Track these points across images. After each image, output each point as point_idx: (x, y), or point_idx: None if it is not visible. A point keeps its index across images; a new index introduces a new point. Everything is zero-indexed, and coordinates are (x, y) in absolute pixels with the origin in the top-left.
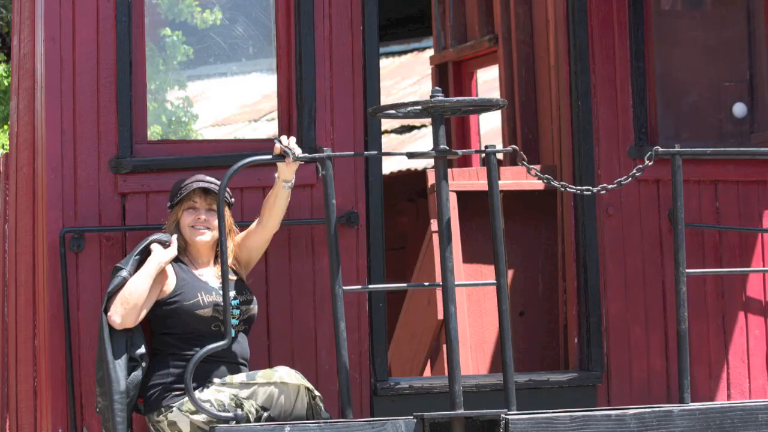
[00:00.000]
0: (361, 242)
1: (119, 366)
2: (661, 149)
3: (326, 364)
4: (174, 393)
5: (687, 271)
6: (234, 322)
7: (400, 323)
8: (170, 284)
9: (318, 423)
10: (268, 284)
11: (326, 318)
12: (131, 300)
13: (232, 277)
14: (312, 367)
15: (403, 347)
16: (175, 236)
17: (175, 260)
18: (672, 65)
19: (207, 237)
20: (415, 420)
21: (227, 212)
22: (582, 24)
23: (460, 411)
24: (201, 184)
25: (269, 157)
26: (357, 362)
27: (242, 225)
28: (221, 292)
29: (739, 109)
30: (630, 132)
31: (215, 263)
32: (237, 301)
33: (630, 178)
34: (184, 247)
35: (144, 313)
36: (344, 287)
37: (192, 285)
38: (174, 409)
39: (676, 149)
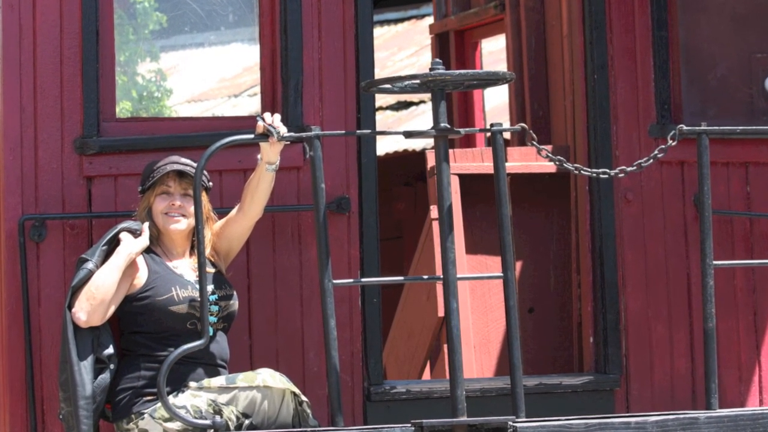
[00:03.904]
0: (353, 231)
1: (85, 368)
2: (686, 127)
3: (314, 366)
4: (145, 398)
5: (714, 263)
6: (212, 319)
7: (396, 321)
8: (141, 278)
9: (305, 431)
10: (250, 277)
11: (314, 315)
12: (98, 295)
13: (210, 270)
14: (299, 369)
15: (399, 347)
16: (146, 224)
17: (147, 251)
18: (698, 35)
19: (182, 225)
20: (413, 428)
21: (204, 198)
22: None
23: (463, 418)
24: (175, 167)
25: (251, 136)
26: (348, 364)
27: (221, 211)
28: (198, 286)
29: None
30: (651, 109)
31: (191, 254)
32: (215, 296)
33: (651, 160)
34: (156, 237)
35: (112, 309)
36: (334, 281)
37: (165, 278)
38: (145, 416)
39: (703, 128)
